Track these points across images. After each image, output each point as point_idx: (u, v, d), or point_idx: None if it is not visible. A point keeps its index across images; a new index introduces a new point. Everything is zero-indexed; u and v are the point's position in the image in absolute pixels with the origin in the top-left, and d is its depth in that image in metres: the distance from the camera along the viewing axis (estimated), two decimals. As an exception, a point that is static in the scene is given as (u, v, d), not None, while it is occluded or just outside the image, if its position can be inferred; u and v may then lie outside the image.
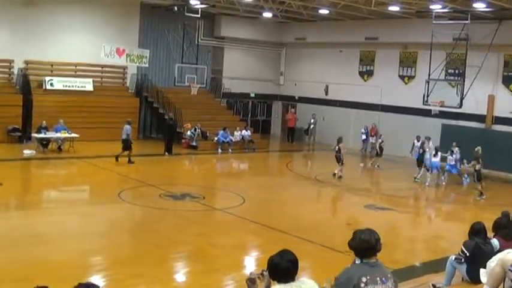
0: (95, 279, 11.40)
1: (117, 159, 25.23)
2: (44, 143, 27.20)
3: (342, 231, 14.77)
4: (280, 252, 5.23)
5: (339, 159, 25.22)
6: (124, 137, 25.48)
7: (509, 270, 7.47)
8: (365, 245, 5.45)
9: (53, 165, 25.56)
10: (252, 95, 39.91)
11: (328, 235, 15.04)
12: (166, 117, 31.69)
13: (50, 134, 27.28)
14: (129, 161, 25.35)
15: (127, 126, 25.70)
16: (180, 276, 12.54)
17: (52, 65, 31.45)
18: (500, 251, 9.03)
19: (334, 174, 25.26)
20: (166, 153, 28.62)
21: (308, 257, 12.73)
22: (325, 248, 13.99)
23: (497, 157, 27.54)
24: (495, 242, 9.64)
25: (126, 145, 25.33)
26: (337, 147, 25.27)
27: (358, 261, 5.48)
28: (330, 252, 13.54)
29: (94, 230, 15.13)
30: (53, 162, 25.77)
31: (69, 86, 31.38)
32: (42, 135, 27.02)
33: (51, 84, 30.84)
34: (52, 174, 24.29)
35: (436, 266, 12.56)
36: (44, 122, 27.29)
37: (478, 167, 22.77)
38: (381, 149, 28.97)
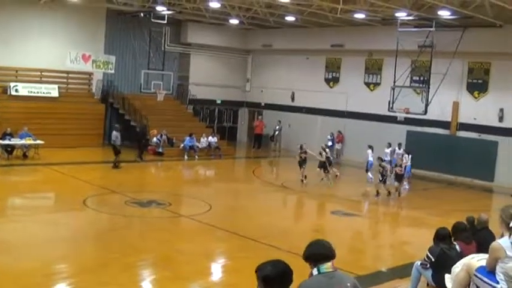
0: (59, 287, 11.27)
1: (115, 166, 26.14)
2: (9, 149, 26.82)
3: (310, 237, 14.59)
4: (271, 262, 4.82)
5: (301, 164, 25.78)
6: (112, 142, 26.49)
7: (475, 275, 7.54)
8: (319, 250, 5.37)
9: (17, 172, 25.16)
10: (219, 101, 39.86)
11: (296, 241, 14.99)
12: (134, 123, 31.44)
13: (15, 141, 26.92)
14: (114, 166, 26.16)
15: (113, 132, 26.60)
16: (146, 284, 12.44)
17: (17, 71, 31.07)
18: (462, 254, 9.12)
19: (302, 180, 25.58)
20: (139, 158, 28.51)
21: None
22: (293, 254, 13.92)
23: (461, 163, 27.91)
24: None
25: (114, 150, 26.23)
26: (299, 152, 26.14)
27: (315, 272, 5.33)
28: (298, 258, 13.50)
29: (59, 238, 14.90)
30: (18, 169, 25.38)
31: (34, 92, 31.04)
32: (6, 142, 26.63)
33: (16, 90, 30.46)
34: (16, 181, 23.86)
35: (401, 271, 12.65)
36: (9, 128, 26.95)
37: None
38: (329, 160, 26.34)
